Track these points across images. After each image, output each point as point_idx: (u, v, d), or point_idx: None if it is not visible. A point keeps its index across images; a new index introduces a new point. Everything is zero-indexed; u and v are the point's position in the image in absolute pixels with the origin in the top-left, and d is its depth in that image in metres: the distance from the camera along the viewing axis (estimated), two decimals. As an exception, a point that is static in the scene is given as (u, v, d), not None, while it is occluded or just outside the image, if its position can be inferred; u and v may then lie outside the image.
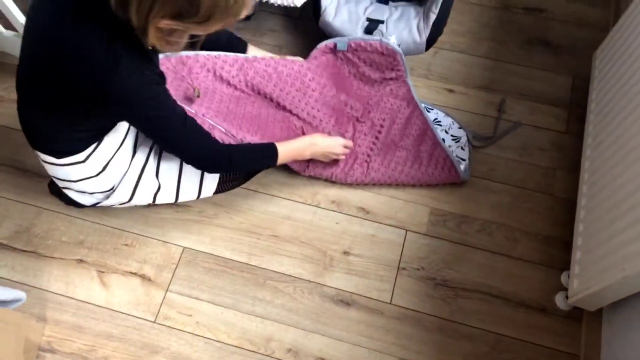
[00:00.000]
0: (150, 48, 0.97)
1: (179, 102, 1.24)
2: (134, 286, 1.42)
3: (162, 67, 1.35)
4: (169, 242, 1.47)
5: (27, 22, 1.03)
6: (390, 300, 1.40)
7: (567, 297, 1.35)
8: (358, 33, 1.53)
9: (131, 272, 1.44)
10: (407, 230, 1.49)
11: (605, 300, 1.20)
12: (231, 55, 1.42)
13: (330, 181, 1.54)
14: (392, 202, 1.52)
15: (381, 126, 1.54)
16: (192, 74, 1.38)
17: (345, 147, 1.43)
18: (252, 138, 1.34)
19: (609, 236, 1.16)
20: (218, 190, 1.43)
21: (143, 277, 1.43)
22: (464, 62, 1.73)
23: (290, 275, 1.43)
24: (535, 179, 1.55)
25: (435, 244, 1.47)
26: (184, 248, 1.47)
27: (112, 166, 1.25)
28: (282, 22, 1.82)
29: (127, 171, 1.28)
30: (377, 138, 1.53)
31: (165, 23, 0.90)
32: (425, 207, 1.52)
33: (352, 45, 1.51)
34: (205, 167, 1.24)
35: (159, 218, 1.50)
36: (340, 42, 1.49)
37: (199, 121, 1.29)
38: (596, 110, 1.46)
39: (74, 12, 0.94)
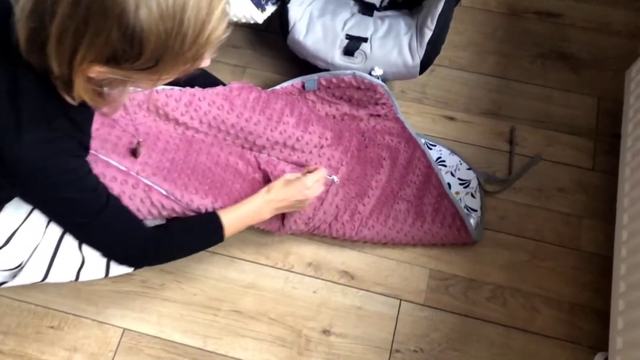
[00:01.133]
0: (75, 104, 0.73)
1: (122, 159, 0.97)
2: (60, 382, 1.14)
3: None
4: (106, 323, 1.19)
5: None
6: (382, 394, 1.13)
7: (602, 387, 1.08)
8: (335, 55, 1.23)
9: (57, 364, 1.15)
10: (401, 300, 1.20)
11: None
12: (176, 88, 1.11)
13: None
14: (382, 262, 1.24)
15: (380, 166, 1.25)
16: (128, 116, 1.07)
17: (317, 181, 1.10)
18: (201, 202, 1.04)
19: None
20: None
21: (72, 369, 1.15)
22: (466, 82, 1.43)
23: (257, 364, 1.15)
24: (556, 229, 1.26)
25: (436, 317, 1.19)
26: (124, 330, 1.18)
27: (17, 238, 0.95)
28: (245, 36, 1.51)
29: (38, 244, 0.99)
30: (375, 182, 1.23)
31: (97, 70, 0.67)
32: (422, 268, 1.23)
33: (323, 82, 1.21)
34: (123, 261, 0.95)
35: (93, 291, 1.21)
36: (309, 82, 1.20)
37: (132, 182, 0.99)
38: (636, 133, 1.18)
39: None
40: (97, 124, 1.02)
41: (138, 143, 1.03)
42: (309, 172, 1.10)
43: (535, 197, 1.29)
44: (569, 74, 1.43)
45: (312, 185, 1.07)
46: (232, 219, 1.01)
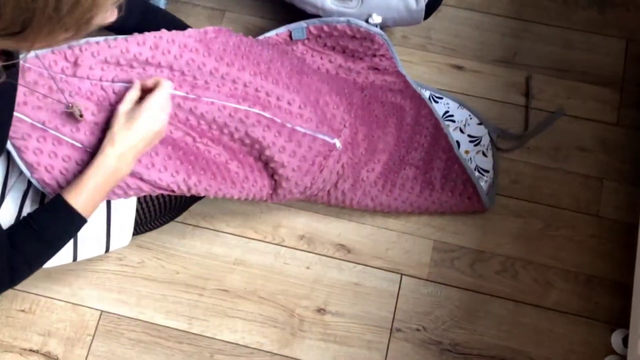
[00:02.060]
0: None
1: (59, 127, 0.84)
2: (36, 370, 1.06)
3: (32, 75, 0.89)
4: (81, 305, 1.10)
5: None
6: (381, 377, 1.06)
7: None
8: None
9: (31, 350, 1.08)
10: (402, 275, 1.11)
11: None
12: (137, 34, 0.94)
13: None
14: (382, 234, 1.13)
15: (387, 126, 1.11)
16: (77, 77, 0.90)
17: (166, 98, 0.87)
18: (171, 179, 0.90)
19: None
20: (138, 233, 1.04)
21: (48, 356, 1.08)
22: (477, 24, 1.27)
23: (247, 346, 1.07)
24: (574, 193, 1.15)
25: (440, 293, 1.10)
26: (102, 312, 1.10)
27: None
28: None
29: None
30: (382, 145, 1.10)
31: None
32: (426, 240, 1.13)
33: (313, 30, 1.04)
34: None
35: (66, 271, 1.11)
36: (296, 30, 1.03)
37: (86, 159, 0.85)
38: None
39: None
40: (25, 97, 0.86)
41: (71, 107, 0.86)
42: (146, 89, 0.88)
43: (552, 158, 1.17)
44: (594, 13, 1.27)
45: (162, 106, 0.86)
46: (83, 198, 0.81)
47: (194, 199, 1.08)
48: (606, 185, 1.16)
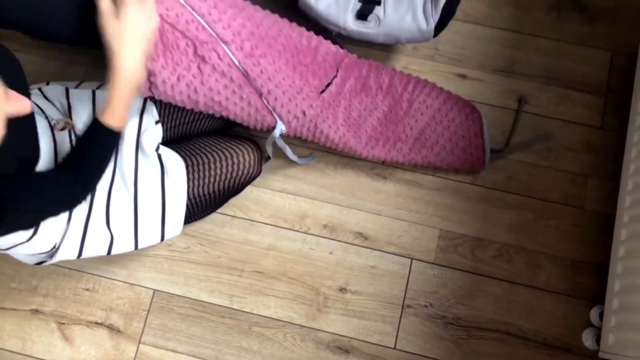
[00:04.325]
0: None
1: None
2: (101, 339, 1.24)
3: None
4: (137, 285, 1.27)
5: None
6: (395, 345, 1.23)
7: (597, 336, 1.18)
8: (348, 19, 1.21)
9: (97, 323, 1.25)
10: (412, 259, 1.28)
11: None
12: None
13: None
14: (394, 224, 1.30)
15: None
16: None
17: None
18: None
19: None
20: (185, 223, 1.21)
21: (111, 327, 1.25)
22: (480, 36, 1.41)
23: (279, 320, 1.25)
24: (563, 188, 1.31)
25: (445, 274, 1.27)
26: (155, 291, 1.27)
27: (44, 227, 1.00)
28: (254, -10, 1.47)
29: (67, 227, 1.05)
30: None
31: None
32: (433, 229, 1.29)
33: None
34: (66, 210, 0.98)
35: (123, 255, 1.28)
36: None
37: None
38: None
39: None
40: None
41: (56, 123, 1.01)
42: None
43: (544, 157, 1.32)
44: (584, 27, 1.40)
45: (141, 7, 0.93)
46: (114, 113, 0.93)
47: (233, 193, 1.25)
48: (590, 182, 1.31)
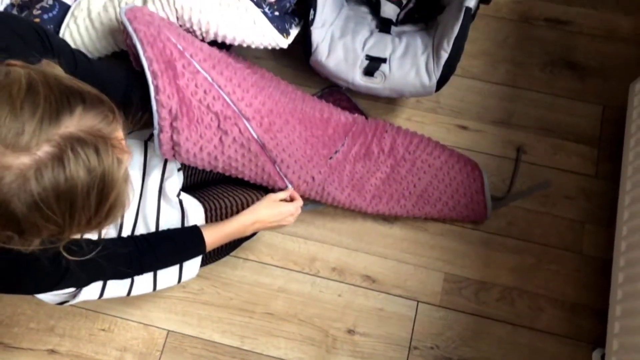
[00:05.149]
0: None
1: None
2: (114, 379, 1.27)
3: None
4: (151, 325, 1.31)
5: None
6: (402, 387, 1.26)
7: (599, 379, 1.21)
8: (356, 75, 1.31)
9: (110, 363, 1.28)
10: (418, 302, 1.32)
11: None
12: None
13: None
14: (401, 267, 1.35)
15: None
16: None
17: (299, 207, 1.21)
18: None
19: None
20: (200, 266, 1.26)
21: (124, 368, 1.28)
22: (478, 90, 1.50)
23: (289, 361, 1.28)
24: (561, 234, 1.37)
25: (450, 316, 1.31)
26: (169, 331, 1.31)
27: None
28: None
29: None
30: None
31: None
32: (438, 272, 1.34)
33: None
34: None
35: (138, 296, 1.31)
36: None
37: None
38: (637, 149, 1.27)
39: None
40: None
41: None
42: (290, 199, 1.20)
43: (542, 204, 1.39)
44: (576, 82, 1.50)
45: (295, 212, 1.18)
46: (215, 236, 1.10)
47: (246, 238, 1.31)
48: (587, 228, 1.37)
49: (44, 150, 0.60)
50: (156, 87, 1.01)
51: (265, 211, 1.15)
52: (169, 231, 1.09)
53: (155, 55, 1.01)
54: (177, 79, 1.03)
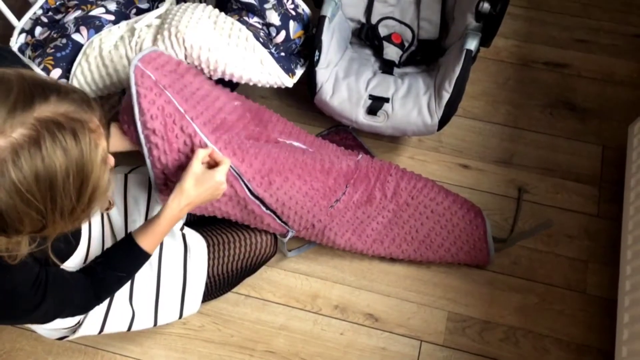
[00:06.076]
0: None
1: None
2: (111, 418, 1.24)
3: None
4: (151, 362, 1.29)
5: None
6: None
7: None
8: (359, 114, 1.33)
9: (108, 401, 1.26)
10: (421, 341, 1.30)
11: None
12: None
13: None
14: (404, 305, 1.34)
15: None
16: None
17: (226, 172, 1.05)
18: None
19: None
20: (202, 302, 1.25)
21: (121, 406, 1.25)
22: (479, 130, 1.53)
23: (290, 401, 1.26)
24: (564, 273, 1.36)
25: (454, 356, 1.29)
26: (168, 369, 1.29)
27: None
28: (272, 87, 1.61)
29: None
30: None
31: None
32: (441, 311, 1.33)
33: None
34: (73, 315, 1.02)
35: (138, 333, 1.31)
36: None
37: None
38: (638, 189, 1.27)
39: None
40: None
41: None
42: (212, 164, 1.04)
43: (545, 243, 1.39)
44: (576, 123, 1.53)
45: (224, 179, 1.02)
46: (151, 236, 0.99)
47: (248, 274, 1.30)
48: (590, 267, 1.36)
49: (20, 132, 0.61)
50: (149, 150, 1.05)
51: (192, 191, 1.00)
52: (105, 250, 1.02)
53: (151, 121, 1.04)
54: (171, 143, 1.05)
